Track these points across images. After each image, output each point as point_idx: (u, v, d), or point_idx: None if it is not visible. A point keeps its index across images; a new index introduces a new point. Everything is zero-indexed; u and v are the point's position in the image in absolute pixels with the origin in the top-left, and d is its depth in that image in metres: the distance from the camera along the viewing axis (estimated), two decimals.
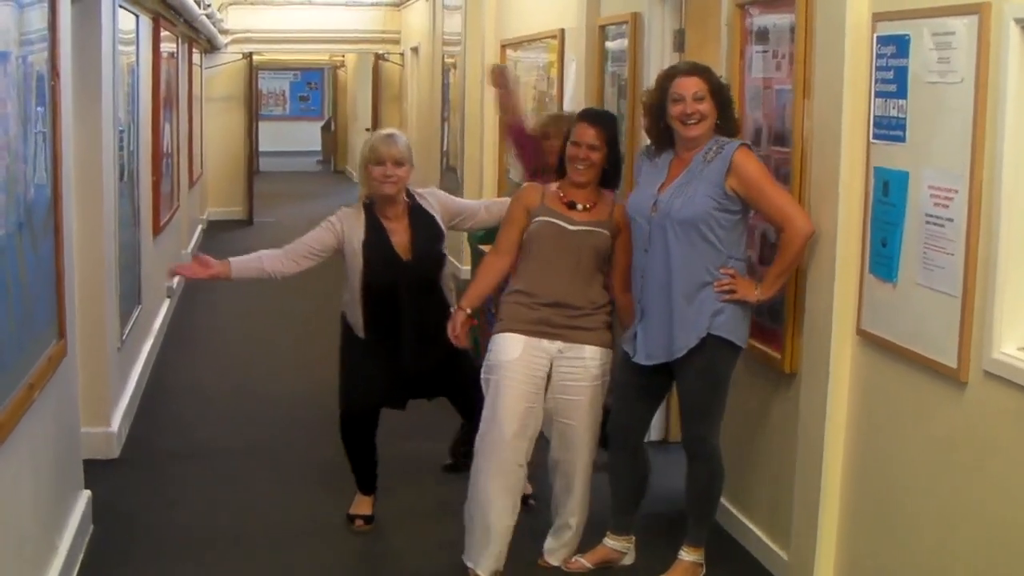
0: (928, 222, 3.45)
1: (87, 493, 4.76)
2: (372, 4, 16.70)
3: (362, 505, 4.89)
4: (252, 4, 16.26)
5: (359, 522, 4.85)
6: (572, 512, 4.40)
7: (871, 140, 3.75)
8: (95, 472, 5.09)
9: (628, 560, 4.49)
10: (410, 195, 4.68)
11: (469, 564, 4.26)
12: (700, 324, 4.02)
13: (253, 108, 17.10)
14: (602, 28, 6.39)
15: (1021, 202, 3.14)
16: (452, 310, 4.58)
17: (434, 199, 4.77)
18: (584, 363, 4.26)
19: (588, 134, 4.28)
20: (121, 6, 6.34)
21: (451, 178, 11.46)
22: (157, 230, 8.21)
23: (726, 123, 4.10)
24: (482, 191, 10.02)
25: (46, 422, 4.02)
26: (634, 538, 4.50)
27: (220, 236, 14.36)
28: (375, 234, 4.59)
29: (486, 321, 5.22)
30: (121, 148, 6.30)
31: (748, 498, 4.69)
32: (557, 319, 4.25)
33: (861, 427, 3.89)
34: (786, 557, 4.32)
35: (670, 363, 4.11)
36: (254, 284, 11.68)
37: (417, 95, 14.62)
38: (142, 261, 7.27)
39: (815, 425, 4.04)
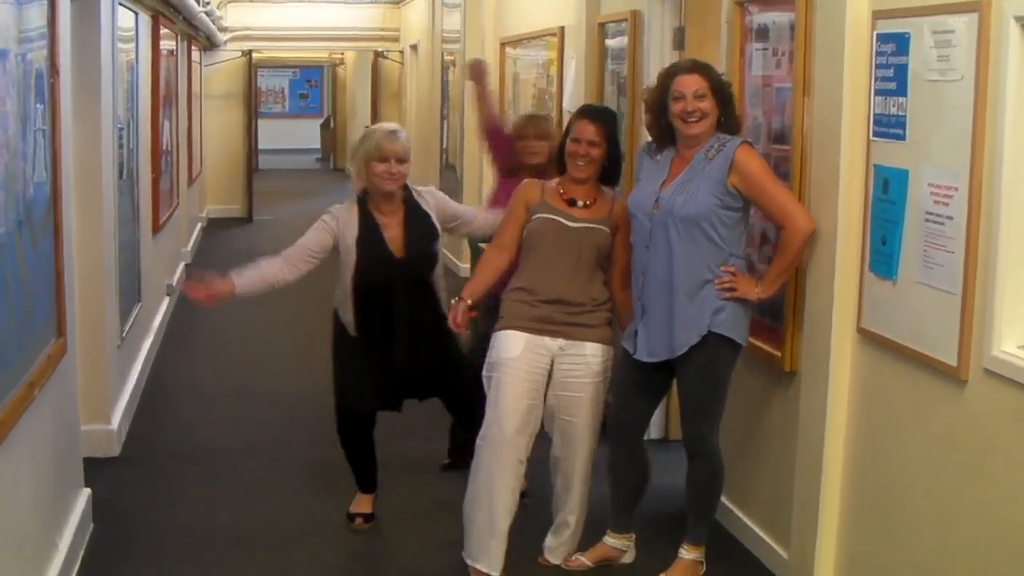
0: (928, 220, 3.45)
1: (87, 491, 4.76)
2: (371, 2, 16.71)
3: (362, 503, 4.89)
4: (251, 2, 16.27)
5: (359, 520, 4.85)
6: (571, 510, 4.40)
7: (871, 138, 3.74)
8: (95, 470, 5.09)
9: (628, 558, 4.49)
10: (407, 190, 4.67)
11: (469, 561, 4.26)
12: (701, 322, 4.02)
13: (252, 106, 17.09)
14: (602, 26, 6.39)
15: (1021, 200, 3.14)
16: (444, 309, 4.59)
17: (432, 198, 4.76)
18: (585, 360, 4.26)
19: (588, 130, 4.28)
20: (120, 4, 6.34)
21: (450, 176, 11.46)
22: (156, 228, 8.21)
23: (728, 121, 4.10)
24: (481, 189, 10.01)
25: (46, 420, 4.02)
26: (634, 536, 4.50)
27: (219, 234, 14.37)
28: (368, 231, 4.58)
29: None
30: (120, 146, 6.30)
31: (748, 496, 4.69)
32: (558, 316, 4.25)
33: (861, 425, 3.89)
34: (786, 555, 4.32)
35: (671, 360, 4.11)
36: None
37: (416, 93, 14.61)
38: (141, 259, 7.27)
39: (815, 423, 4.04)
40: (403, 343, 4.58)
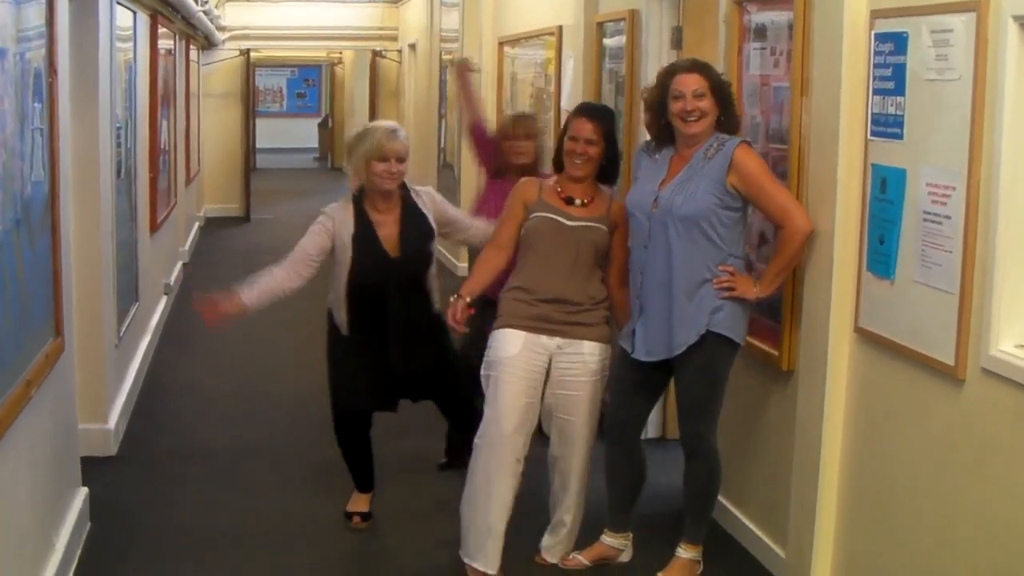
0: (926, 219, 3.45)
1: (84, 490, 4.76)
2: (369, 1, 16.70)
3: (359, 502, 4.89)
4: (249, 1, 16.25)
5: (356, 519, 4.85)
6: (568, 508, 4.40)
7: (869, 137, 3.75)
8: (92, 469, 5.09)
9: (625, 557, 4.49)
10: (405, 189, 4.67)
11: (467, 560, 4.26)
12: (700, 321, 4.02)
13: (250, 105, 17.08)
14: (600, 25, 6.39)
15: (1019, 199, 3.15)
16: (436, 309, 4.61)
17: (429, 199, 4.74)
18: (583, 359, 4.26)
19: (586, 128, 4.27)
20: (118, 3, 6.34)
21: (448, 175, 11.45)
22: (154, 227, 8.21)
23: (727, 120, 4.10)
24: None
25: (43, 419, 4.02)
26: (632, 535, 4.50)
27: (217, 233, 14.37)
28: (363, 229, 4.57)
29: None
30: (118, 145, 6.29)
31: (745, 495, 4.69)
32: (556, 315, 4.25)
33: (859, 424, 3.89)
34: (783, 554, 4.32)
35: (669, 360, 4.11)
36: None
37: (415, 92, 14.61)
38: (139, 258, 7.27)
39: (813, 422, 4.04)
40: (396, 343, 4.58)
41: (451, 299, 4.33)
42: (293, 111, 28.56)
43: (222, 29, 15.32)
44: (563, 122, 4.63)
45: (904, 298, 3.58)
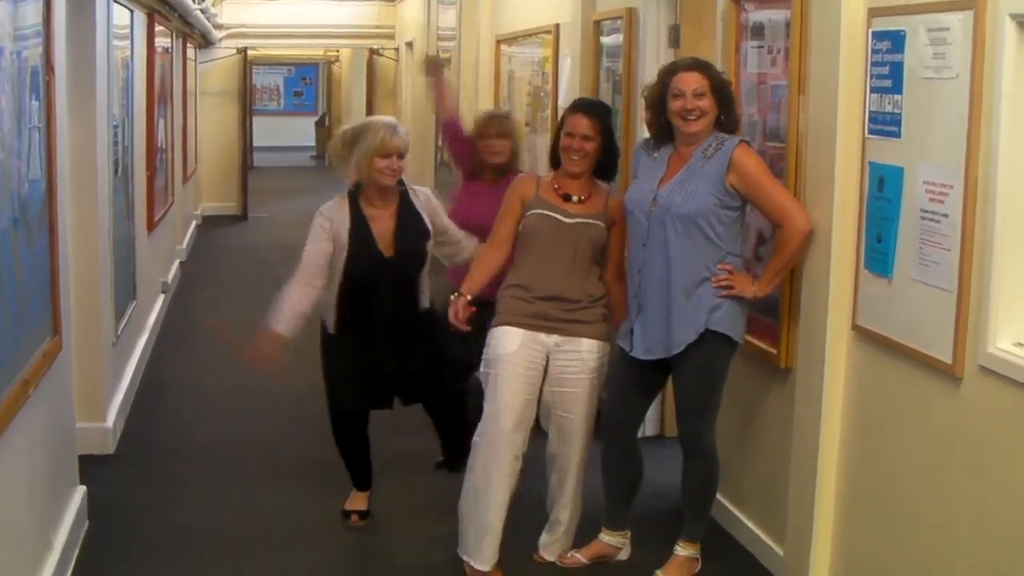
0: (923, 217, 3.45)
1: (82, 489, 4.76)
2: None
3: (357, 501, 4.89)
4: None
5: (355, 517, 4.85)
6: (564, 506, 4.40)
7: (866, 135, 3.75)
8: (90, 468, 5.09)
9: (624, 555, 4.50)
10: (402, 185, 4.65)
11: (464, 557, 4.26)
12: (698, 319, 4.02)
13: (247, 103, 17.07)
14: (597, 23, 6.38)
15: (1016, 197, 3.15)
16: (426, 308, 4.63)
17: (425, 199, 4.72)
18: (581, 356, 4.26)
19: (582, 124, 4.27)
20: (115, 1, 6.33)
21: (444, 174, 11.43)
22: (151, 225, 8.21)
23: (727, 119, 4.10)
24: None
25: (41, 418, 4.02)
26: (630, 533, 4.51)
27: (214, 231, 14.36)
28: (359, 225, 4.56)
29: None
30: (115, 143, 6.29)
31: (743, 493, 4.69)
32: (554, 313, 4.25)
33: (856, 422, 3.89)
34: (781, 552, 4.32)
35: (667, 358, 4.11)
36: (249, 278, 11.67)
37: (412, 90, 14.59)
38: (137, 256, 7.26)
39: (810, 420, 4.04)
40: (386, 342, 4.57)
41: (451, 298, 4.33)
42: (290, 109, 28.54)
43: (219, 27, 15.31)
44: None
45: (902, 296, 3.58)
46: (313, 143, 26.21)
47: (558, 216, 4.27)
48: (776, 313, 4.31)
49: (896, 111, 3.57)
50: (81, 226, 5.30)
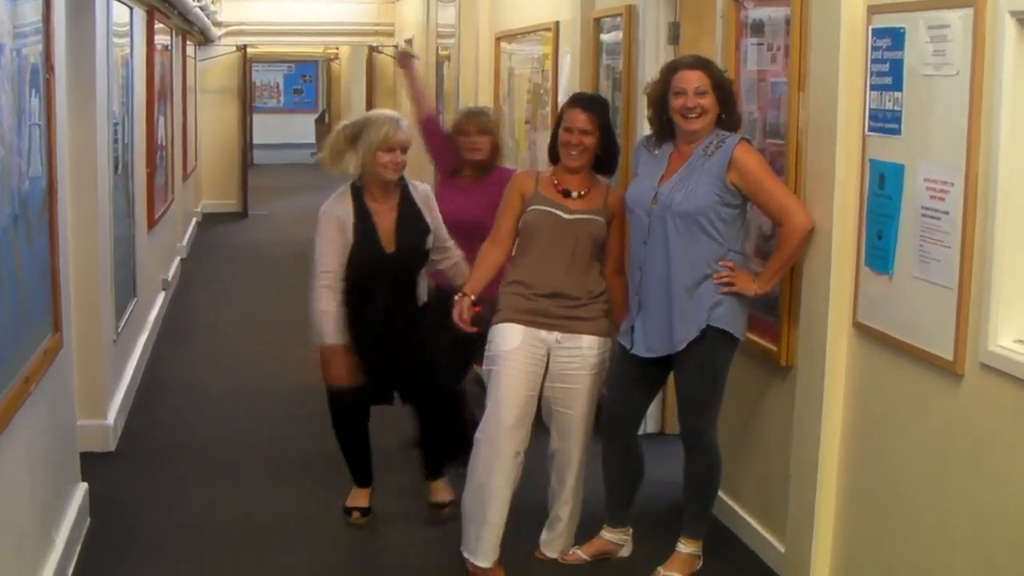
0: (924, 215, 3.45)
1: (84, 486, 4.76)
2: None
3: (358, 497, 4.89)
4: None
5: (356, 514, 4.85)
6: (564, 502, 4.41)
7: (866, 133, 3.75)
8: (91, 465, 5.09)
9: (625, 552, 4.50)
10: (403, 181, 4.64)
11: (466, 554, 4.26)
12: (699, 316, 4.02)
13: (247, 101, 17.07)
14: (597, 21, 6.38)
15: (1017, 195, 3.15)
16: (423, 306, 4.63)
17: (424, 196, 4.71)
18: (582, 352, 4.26)
19: (580, 119, 4.26)
20: None
21: None
22: (152, 223, 8.21)
23: (728, 118, 4.10)
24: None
25: (42, 415, 4.02)
26: (631, 530, 4.51)
27: (215, 229, 14.36)
28: (362, 220, 4.55)
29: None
30: (115, 141, 6.29)
31: (744, 490, 4.70)
32: (555, 310, 4.25)
33: (857, 419, 3.89)
34: (782, 548, 4.33)
35: (668, 355, 4.12)
36: (250, 275, 11.66)
37: None
38: (137, 254, 7.26)
39: (811, 417, 4.04)
40: (381, 337, 4.56)
41: (455, 298, 4.33)
42: (290, 107, 28.54)
43: (219, 25, 15.31)
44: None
45: (902, 293, 3.58)
46: (313, 140, 26.18)
47: (558, 212, 4.26)
48: (776, 310, 4.31)
49: (896, 108, 3.57)
50: (81, 223, 5.30)
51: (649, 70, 5.23)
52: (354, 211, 4.54)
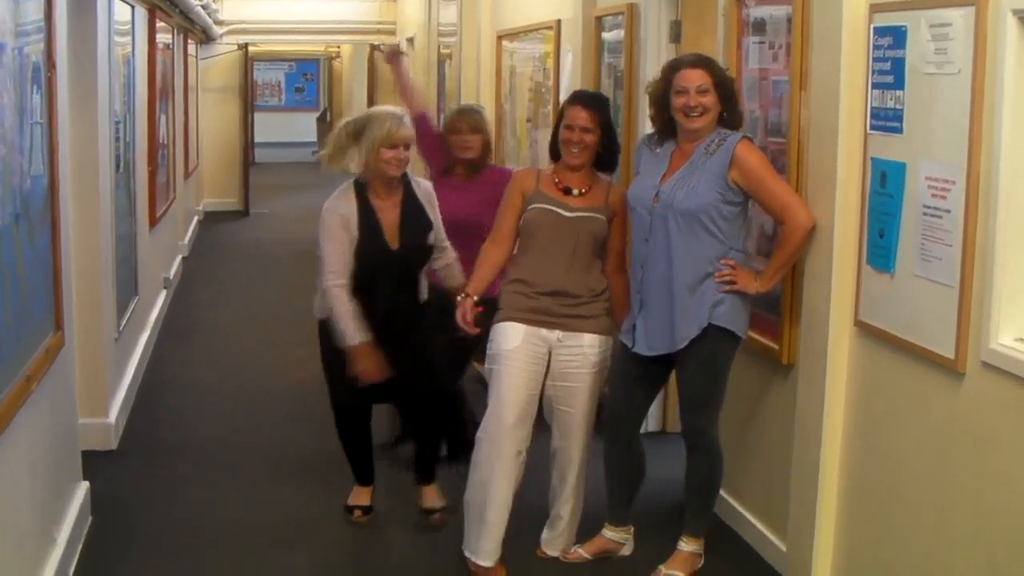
0: (926, 213, 3.45)
1: (85, 484, 4.77)
2: None
3: (360, 496, 4.89)
4: None
5: (357, 513, 4.85)
6: (565, 501, 4.41)
7: (868, 131, 3.75)
8: (93, 464, 5.10)
9: (627, 551, 4.50)
10: (405, 177, 4.63)
11: (467, 553, 4.26)
12: (701, 315, 4.02)
13: (249, 99, 17.07)
14: (598, 19, 6.38)
15: (1018, 193, 3.15)
16: (424, 303, 4.63)
17: (426, 193, 4.69)
18: (583, 351, 4.26)
19: (581, 117, 4.26)
20: None
21: None
22: (153, 221, 8.21)
23: (730, 116, 4.10)
24: None
25: (44, 414, 4.02)
26: (632, 528, 4.51)
27: (216, 227, 14.37)
28: (367, 217, 4.53)
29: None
30: (117, 139, 6.29)
31: (746, 488, 4.70)
32: (556, 308, 4.25)
33: (858, 418, 3.89)
34: (784, 547, 4.33)
35: (670, 353, 4.12)
36: (251, 273, 11.66)
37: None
38: (138, 252, 7.27)
39: (813, 416, 4.04)
40: (382, 335, 4.56)
41: (458, 299, 4.32)
42: (291, 105, 28.53)
43: (220, 23, 15.31)
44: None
45: (904, 292, 3.58)
46: (314, 139, 26.19)
47: (559, 210, 4.26)
48: (778, 309, 4.31)
49: (898, 107, 3.57)
50: (83, 222, 5.30)
51: (650, 68, 5.22)
52: (358, 208, 4.53)
